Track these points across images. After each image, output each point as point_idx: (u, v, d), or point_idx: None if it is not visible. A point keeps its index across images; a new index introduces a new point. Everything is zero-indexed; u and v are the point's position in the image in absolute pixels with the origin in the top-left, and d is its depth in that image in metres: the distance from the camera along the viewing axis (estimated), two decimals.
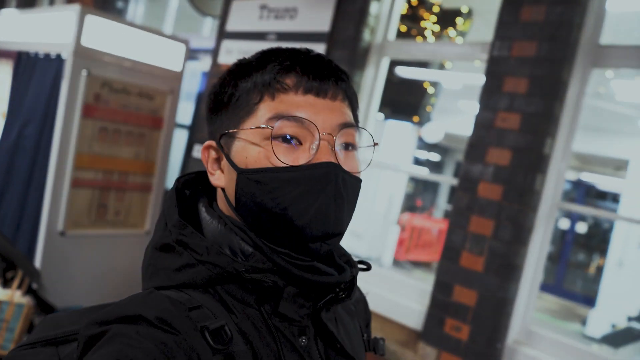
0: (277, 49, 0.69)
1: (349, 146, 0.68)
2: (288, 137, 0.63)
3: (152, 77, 3.13)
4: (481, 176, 2.37)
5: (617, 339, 3.41)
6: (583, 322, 6.58)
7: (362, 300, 0.86)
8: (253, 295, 0.62)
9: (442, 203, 11.94)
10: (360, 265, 0.73)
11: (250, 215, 0.65)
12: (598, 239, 10.12)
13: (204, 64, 4.02)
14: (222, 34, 3.53)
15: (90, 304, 0.69)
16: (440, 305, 2.42)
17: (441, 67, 3.77)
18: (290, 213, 0.62)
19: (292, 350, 0.62)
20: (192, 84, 4.04)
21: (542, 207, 2.33)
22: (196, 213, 0.70)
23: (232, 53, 3.44)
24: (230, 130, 0.67)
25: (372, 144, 0.74)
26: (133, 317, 0.55)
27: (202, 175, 0.75)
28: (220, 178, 0.69)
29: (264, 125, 0.63)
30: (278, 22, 3.21)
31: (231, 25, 3.47)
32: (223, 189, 0.69)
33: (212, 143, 0.70)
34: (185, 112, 3.92)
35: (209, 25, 4.43)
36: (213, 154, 0.70)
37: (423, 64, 3.40)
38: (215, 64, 3.59)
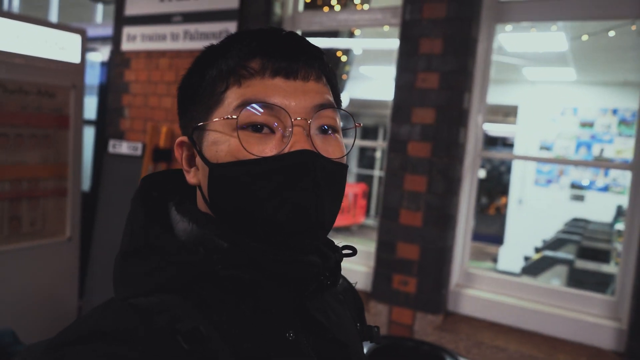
0: (243, 32, 0.65)
1: (328, 129, 0.63)
2: (258, 125, 0.58)
3: (50, 73, 2.87)
4: (409, 136, 2.48)
5: (535, 268, 3.80)
6: (494, 259, 7.19)
7: (350, 289, 0.83)
8: (232, 293, 0.58)
9: (353, 167, 12.29)
10: (345, 251, 0.70)
11: (225, 212, 0.61)
12: (494, 182, 11.02)
13: (102, 53, 3.75)
14: (121, 20, 3.31)
15: (16, 324, 0.63)
16: (386, 263, 2.53)
17: (350, 35, 3.83)
18: (267, 208, 0.58)
19: (279, 346, 0.58)
20: (92, 76, 3.76)
21: (467, 158, 2.49)
22: (166, 215, 0.65)
23: (136, 39, 3.25)
24: (200, 124, 0.62)
25: (353, 125, 0.69)
26: (90, 334, 0.50)
27: (171, 175, 0.71)
28: (196, 175, 0.65)
29: (231, 116, 0.59)
30: (183, 3, 3.07)
31: (130, 10, 3.26)
32: (199, 186, 0.64)
33: (185, 139, 0.65)
34: (90, 106, 3.65)
35: (100, 12, 4.12)
36: (187, 150, 0.66)
37: (333, 34, 3.43)
38: (118, 52, 3.36)
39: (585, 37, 3.71)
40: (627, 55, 5.09)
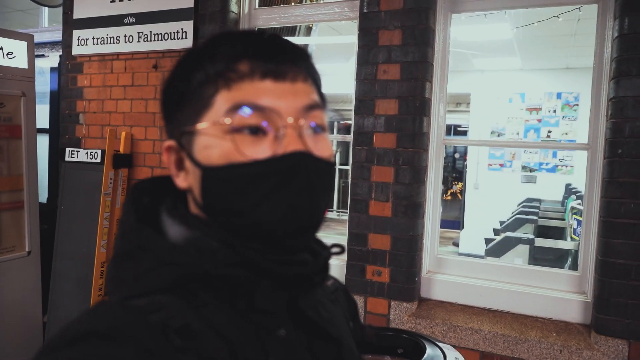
0: (227, 33, 0.64)
1: (318, 128, 0.63)
2: (251, 128, 0.59)
3: None
4: (374, 128, 2.51)
5: (498, 249, 3.94)
6: (455, 244, 7.40)
7: (342, 289, 0.84)
8: (225, 293, 0.59)
9: None
10: (333, 249, 0.70)
11: (218, 215, 0.61)
12: (449, 169, 11.31)
13: (51, 59, 3.60)
14: (71, 23, 3.18)
15: None
16: (358, 255, 2.56)
17: (308, 30, 3.83)
18: (261, 210, 0.58)
19: (271, 343, 0.59)
20: (42, 82, 3.60)
21: (432, 147, 2.55)
22: (157, 219, 0.65)
23: (87, 43, 3.13)
24: (189, 128, 0.61)
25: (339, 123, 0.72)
26: (84, 335, 0.50)
27: (160, 181, 0.70)
28: (185, 179, 0.64)
29: (224, 120, 0.59)
30: (134, 3, 2.98)
31: (79, 13, 3.14)
32: (190, 190, 0.64)
33: (172, 143, 0.64)
34: (42, 114, 3.50)
35: (45, 16, 3.94)
36: (175, 155, 0.65)
37: (291, 31, 3.43)
38: (69, 57, 3.24)
39: (535, 25, 3.86)
40: (568, 42, 5.32)
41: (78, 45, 3.18)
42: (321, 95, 0.67)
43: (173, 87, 0.65)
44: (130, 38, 3.02)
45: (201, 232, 0.60)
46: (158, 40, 2.94)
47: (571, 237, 4.27)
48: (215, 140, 0.59)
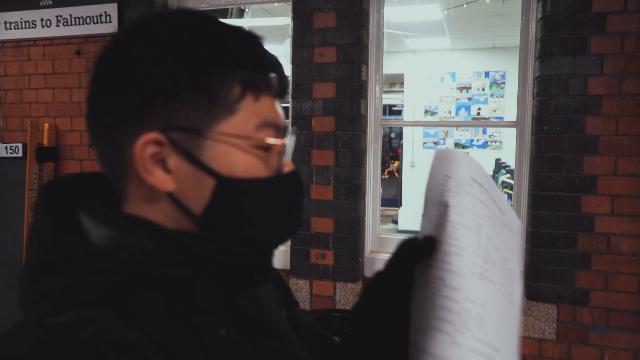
0: (229, 30, 0.58)
1: None
2: (270, 146, 0.60)
3: None
4: (312, 112, 2.50)
5: None
6: (394, 221, 7.59)
7: (275, 277, 0.81)
8: (160, 296, 0.54)
9: None
10: None
11: (223, 225, 0.57)
12: (385, 149, 11.55)
13: None
14: None
15: None
16: (302, 240, 2.56)
17: (240, 12, 3.74)
18: (275, 221, 0.61)
19: (211, 344, 0.56)
20: None
21: (370, 129, 2.57)
22: (75, 223, 0.58)
23: (0, 26, 2.89)
24: (200, 129, 0.54)
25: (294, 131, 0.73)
26: None
27: (69, 181, 0.63)
28: (168, 181, 0.56)
29: (256, 136, 0.58)
30: None
31: None
32: (172, 194, 0.56)
33: (158, 136, 0.54)
34: None
35: None
36: (153, 149, 0.54)
37: (223, 12, 3.33)
38: None
39: (465, 6, 3.97)
40: (494, 22, 5.52)
41: None
42: None
43: (162, 73, 0.53)
44: (48, 22, 2.81)
45: (133, 234, 0.55)
46: (79, 24, 2.76)
47: None
48: (238, 151, 0.56)
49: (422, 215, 0.61)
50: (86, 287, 0.52)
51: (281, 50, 3.96)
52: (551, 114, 2.21)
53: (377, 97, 2.59)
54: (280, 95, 0.62)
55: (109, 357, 0.46)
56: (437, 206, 0.59)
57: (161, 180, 0.55)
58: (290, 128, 0.62)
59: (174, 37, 0.55)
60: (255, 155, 0.58)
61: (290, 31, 2.54)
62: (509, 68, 6.96)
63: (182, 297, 0.55)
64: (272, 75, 0.59)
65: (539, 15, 2.24)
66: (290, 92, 2.55)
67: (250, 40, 0.58)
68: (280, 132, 0.60)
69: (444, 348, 0.53)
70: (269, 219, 0.60)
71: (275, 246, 0.64)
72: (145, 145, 0.54)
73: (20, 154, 2.90)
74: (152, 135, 0.54)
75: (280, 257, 2.68)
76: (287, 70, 2.56)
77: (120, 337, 0.48)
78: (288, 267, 2.63)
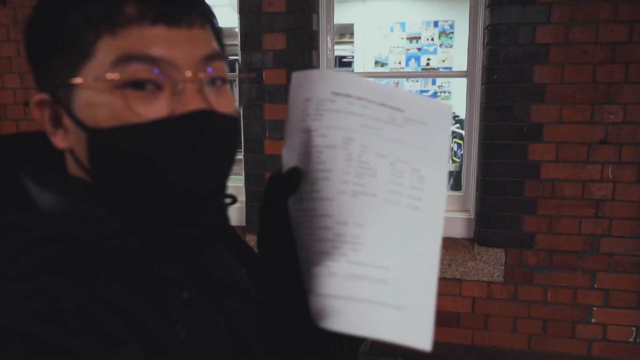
0: None
1: (218, 80, 0.56)
2: (142, 82, 0.51)
3: None
4: (262, 64, 2.42)
5: None
6: None
7: (233, 236, 0.78)
8: (116, 264, 0.52)
9: None
10: (225, 201, 0.66)
11: (110, 181, 0.54)
12: None
13: None
14: None
15: None
16: (257, 196, 2.53)
17: None
18: (163, 176, 0.52)
19: (174, 309, 0.54)
20: None
21: None
22: (18, 188, 0.55)
23: None
24: (66, 81, 0.52)
25: (245, 74, 0.64)
26: None
27: (12, 141, 0.60)
28: (64, 139, 0.55)
29: (112, 74, 0.50)
30: None
31: None
32: (71, 151, 0.55)
33: (45, 97, 0.54)
34: None
35: None
36: (49, 110, 0.55)
37: None
38: None
39: None
40: None
41: None
42: (220, 42, 0.59)
43: (40, 30, 0.53)
44: None
45: (82, 200, 0.52)
46: None
47: (452, 160, 4.59)
48: (101, 96, 0.51)
49: (284, 148, 0.56)
50: (35, 256, 0.49)
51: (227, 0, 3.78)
52: (501, 64, 2.23)
53: (329, 49, 2.53)
54: (163, 17, 0.52)
55: (69, 322, 0.44)
56: (299, 134, 0.54)
57: (60, 138, 0.56)
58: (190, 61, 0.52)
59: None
60: (125, 97, 0.50)
61: None
62: (458, 17, 6.98)
63: (139, 265, 0.53)
64: (135, 1, 0.51)
65: None
66: (239, 44, 2.45)
67: None
68: (163, 64, 0.51)
69: (324, 283, 0.48)
70: (155, 168, 0.52)
71: (192, 200, 0.54)
72: (38, 106, 0.55)
73: None
74: (39, 96, 0.55)
75: (235, 213, 2.65)
76: (235, 20, 2.45)
77: (80, 303, 0.46)
78: (244, 224, 2.61)
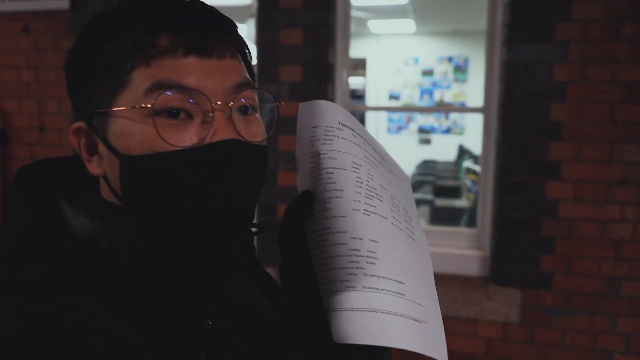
0: (137, 4, 0.56)
1: (249, 109, 0.58)
2: (174, 111, 0.53)
3: None
4: (278, 95, 2.42)
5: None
6: None
7: (258, 267, 0.80)
8: (145, 289, 0.53)
9: None
10: (252, 229, 0.68)
11: (141, 206, 0.55)
12: None
13: None
14: None
15: None
16: (268, 226, 2.49)
17: None
18: (191, 205, 0.53)
19: (199, 336, 0.55)
20: None
21: None
22: (55, 210, 0.56)
23: None
24: (102, 110, 0.54)
25: (274, 102, 0.63)
26: None
27: (50, 164, 0.62)
28: (99, 165, 0.58)
29: (145, 104, 0.52)
30: None
31: None
32: (104, 177, 0.58)
33: (82, 125, 0.57)
34: None
35: None
36: (85, 137, 0.58)
37: None
38: None
39: None
40: (458, 7, 5.53)
41: None
42: (250, 70, 0.61)
43: (79, 61, 0.57)
44: None
45: (114, 223, 0.54)
46: None
47: (467, 197, 4.54)
48: (134, 124, 0.53)
49: (298, 176, 0.58)
50: (67, 277, 0.50)
51: (245, 31, 3.84)
52: (517, 100, 2.21)
53: (344, 81, 2.54)
54: (195, 48, 0.53)
55: (95, 345, 0.44)
56: (308, 158, 0.56)
57: (94, 165, 0.58)
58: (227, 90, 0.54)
59: (84, 30, 0.57)
60: (157, 126, 0.52)
61: (253, 11, 2.45)
62: (473, 53, 7.03)
63: (166, 290, 0.54)
64: (169, 33, 0.53)
65: (506, 0, 2.23)
66: (257, 75, 2.46)
67: (159, 2, 0.56)
68: (194, 93, 0.53)
69: (342, 298, 0.49)
70: (188, 199, 0.53)
71: (218, 228, 0.55)
72: (74, 134, 0.58)
73: None
74: (76, 125, 0.58)
75: None
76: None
77: (107, 326, 0.47)
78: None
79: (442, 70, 7.34)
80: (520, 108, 2.21)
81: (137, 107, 0.52)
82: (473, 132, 6.86)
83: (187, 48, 0.53)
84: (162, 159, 0.52)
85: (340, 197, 0.52)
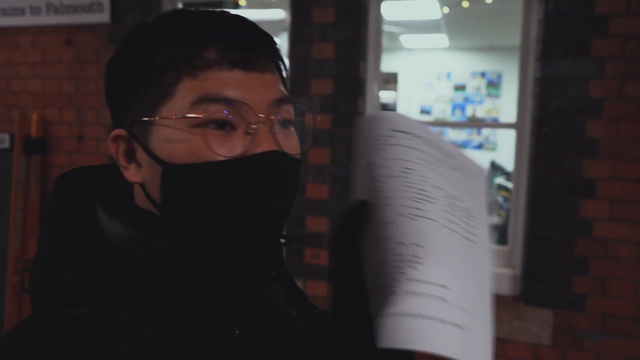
0: (186, 12, 0.58)
1: (286, 123, 0.60)
2: (221, 122, 0.54)
3: None
4: (309, 108, 2.44)
5: None
6: None
7: (287, 278, 0.81)
8: (175, 296, 0.54)
9: None
10: (281, 241, 0.69)
11: (179, 214, 0.56)
12: None
13: None
14: None
15: None
16: (296, 238, 2.51)
17: (235, 5, 3.68)
18: (232, 212, 0.55)
19: (225, 344, 0.55)
20: None
21: None
22: (92, 217, 0.58)
23: None
24: (146, 118, 0.56)
25: (310, 116, 0.66)
26: (13, 356, 0.44)
27: (87, 172, 0.64)
28: (137, 173, 0.58)
29: (194, 114, 0.53)
30: None
31: None
32: (142, 185, 0.59)
33: (122, 132, 0.58)
34: None
35: None
36: (124, 145, 0.59)
37: (217, 5, 3.27)
38: None
39: (465, 4, 3.93)
40: (492, 22, 5.49)
41: None
42: (285, 84, 0.63)
43: (121, 70, 0.58)
44: (38, 10, 2.73)
45: (148, 230, 0.55)
46: (70, 12, 2.69)
47: (498, 214, 4.46)
48: (179, 133, 0.54)
49: (356, 187, 0.60)
50: (101, 283, 0.52)
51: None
52: (551, 116, 2.17)
53: (375, 95, 2.54)
54: (240, 62, 0.55)
55: (124, 351, 0.45)
56: (362, 169, 0.58)
57: (132, 172, 0.58)
58: (240, 104, 0.55)
59: (127, 41, 0.59)
60: (200, 135, 0.53)
61: (287, 25, 2.49)
62: (506, 68, 6.94)
63: (196, 297, 0.55)
64: (215, 46, 0.55)
65: (541, 15, 2.21)
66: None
67: (204, 17, 0.57)
68: (238, 106, 0.54)
69: (385, 303, 0.48)
70: (225, 208, 0.54)
71: (248, 241, 0.57)
72: (113, 141, 0.59)
73: (7, 146, 2.82)
74: (116, 132, 0.59)
75: None
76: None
77: (136, 331, 0.48)
78: None
79: (475, 85, 7.27)
80: (554, 124, 2.17)
81: (184, 117, 0.53)
82: (505, 148, 6.74)
83: (233, 62, 0.55)
84: (209, 168, 0.53)
85: (389, 205, 0.52)
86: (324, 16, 2.38)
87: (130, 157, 0.59)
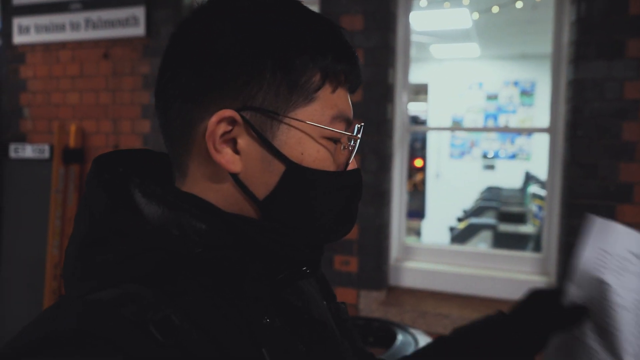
0: (319, 17, 0.58)
1: None
2: (339, 139, 0.60)
3: None
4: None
5: (463, 236, 3.98)
6: (417, 233, 7.47)
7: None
8: (208, 279, 0.54)
9: None
10: None
11: (285, 213, 0.58)
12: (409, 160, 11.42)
13: None
14: (10, 10, 2.99)
15: None
16: (326, 246, 2.50)
17: None
18: (335, 215, 0.60)
19: (257, 332, 0.55)
20: None
21: (396, 134, 2.52)
22: (129, 198, 0.56)
23: (30, 31, 2.95)
24: (280, 113, 0.54)
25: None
26: (41, 341, 0.43)
27: (123, 155, 0.63)
28: (236, 161, 0.55)
29: (331, 128, 0.57)
30: None
31: None
32: (236, 175, 0.56)
33: (235, 115, 0.54)
34: None
35: None
36: (226, 127, 0.54)
37: None
38: (9, 46, 3.04)
39: (495, 9, 3.89)
40: (524, 30, 5.41)
41: (19, 33, 2.98)
42: None
43: (245, 51, 0.53)
44: (77, 25, 2.85)
45: (188, 213, 0.54)
46: (107, 27, 2.79)
47: (533, 223, 4.36)
48: (310, 141, 0.57)
49: (570, 282, 0.63)
50: (134, 264, 0.52)
51: None
52: (585, 120, 2.12)
53: (403, 103, 2.54)
54: (353, 89, 0.62)
55: (153, 336, 0.45)
56: (591, 280, 0.61)
57: (229, 159, 0.55)
58: (358, 126, 0.61)
59: (260, 16, 0.55)
60: (325, 147, 0.58)
61: None
62: (539, 77, 6.82)
63: (230, 282, 0.54)
64: (351, 67, 0.59)
65: (573, 18, 2.17)
66: None
67: (333, 29, 0.59)
68: (350, 127, 0.61)
69: None
70: (329, 214, 0.59)
71: (329, 242, 0.63)
72: (219, 122, 0.54)
73: (47, 156, 2.93)
74: (228, 112, 0.53)
75: None
76: None
77: (166, 315, 0.47)
78: None
79: (508, 94, 7.16)
80: (588, 127, 2.12)
81: (325, 131, 0.57)
82: (540, 158, 6.59)
83: (353, 85, 0.61)
84: (332, 177, 0.58)
85: (617, 337, 0.57)
86: (352, 24, 2.40)
87: (229, 142, 0.55)
